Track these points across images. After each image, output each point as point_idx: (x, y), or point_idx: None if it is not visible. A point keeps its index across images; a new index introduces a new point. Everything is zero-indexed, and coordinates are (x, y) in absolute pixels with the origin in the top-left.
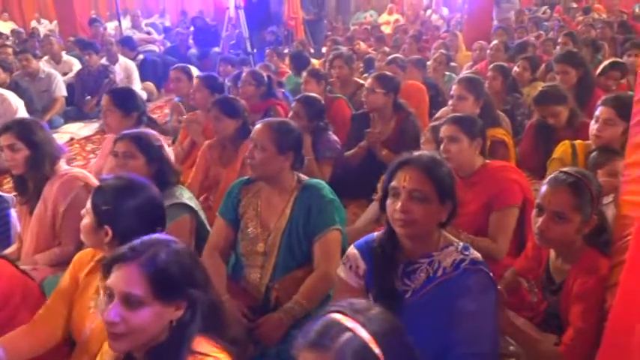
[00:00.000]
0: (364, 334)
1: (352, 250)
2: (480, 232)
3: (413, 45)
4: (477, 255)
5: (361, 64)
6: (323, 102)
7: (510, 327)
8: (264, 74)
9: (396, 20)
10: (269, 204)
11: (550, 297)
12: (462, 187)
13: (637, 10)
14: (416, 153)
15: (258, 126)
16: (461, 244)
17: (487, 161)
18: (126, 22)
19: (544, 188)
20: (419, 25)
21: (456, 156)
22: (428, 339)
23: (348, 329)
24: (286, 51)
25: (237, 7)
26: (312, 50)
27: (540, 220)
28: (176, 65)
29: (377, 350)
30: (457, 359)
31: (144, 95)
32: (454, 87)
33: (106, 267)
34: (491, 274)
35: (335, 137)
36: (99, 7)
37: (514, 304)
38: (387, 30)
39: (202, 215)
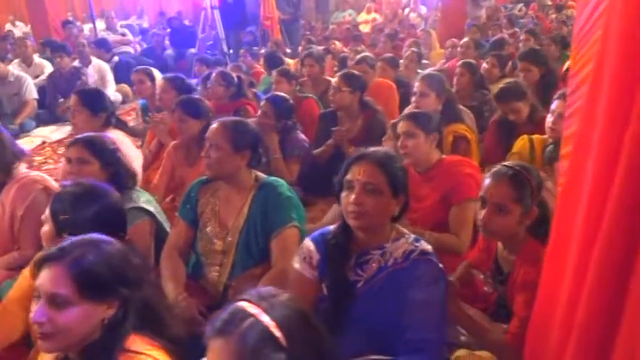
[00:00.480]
0: (266, 319)
1: (307, 241)
2: (438, 225)
3: (387, 43)
4: (427, 246)
5: (336, 63)
6: (291, 101)
7: (462, 317)
8: (234, 75)
9: (374, 19)
10: (227, 203)
11: (499, 287)
12: (419, 181)
13: None
14: (371, 148)
15: (213, 125)
16: (412, 236)
17: (443, 156)
18: (101, 24)
19: (487, 182)
20: (397, 23)
21: (413, 151)
22: (379, 326)
23: (251, 315)
24: (262, 51)
25: (212, 8)
26: (288, 50)
27: (483, 212)
28: (137, 68)
29: (278, 334)
30: (406, 345)
31: (118, 97)
32: (416, 84)
33: (36, 268)
34: (440, 264)
35: (303, 136)
36: (75, 8)
37: (468, 296)
38: (365, 29)
39: (162, 217)
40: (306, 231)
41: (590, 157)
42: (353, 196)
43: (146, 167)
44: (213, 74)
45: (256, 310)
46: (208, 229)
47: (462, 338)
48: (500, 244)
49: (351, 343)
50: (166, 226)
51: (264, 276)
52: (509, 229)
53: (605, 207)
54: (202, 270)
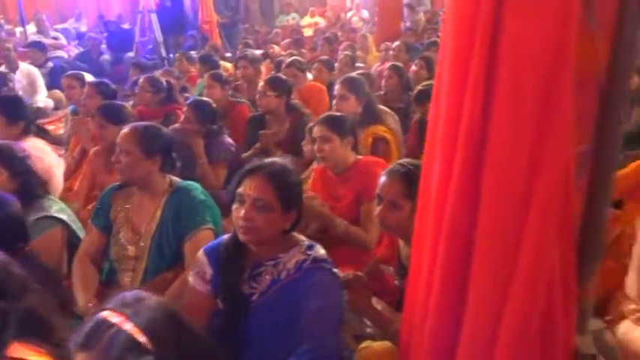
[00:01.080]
0: (129, 326)
1: (201, 254)
2: (354, 223)
3: (325, 47)
4: (320, 253)
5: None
6: (214, 105)
7: (368, 310)
8: (163, 79)
9: (317, 23)
10: (140, 208)
11: (401, 281)
12: (336, 182)
13: None
14: (267, 160)
15: (123, 130)
16: (306, 243)
17: (359, 157)
18: (32, 27)
19: (382, 179)
20: (339, 27)
21: (330, 155)
22: (276, 338)
23: (113, 325)
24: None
25: (149, 11)
26: (228, 54)
27: (379, 208)
28: (68, 73)
29: (143, 339)
30: (304, 355)
31: (50, 103)
32: (336, 87)
33: None
34: (334, 270)
35: (229, 140)
36: (8, 11)
37: (377, 289)
38: (309, 33)
39: (76, 226)
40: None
41: (436, 155)
42: (243, 211)
43: (69, 175)
44: (141, 80)
45: (119, 319)
46: (121, 234)
47: (368, 330)
48: (401, 240)
49: (248, 357)
50: (81, 234)
51: (176, 279)
52: (403, 223)
53: (446, 202)
54: (116, 276)
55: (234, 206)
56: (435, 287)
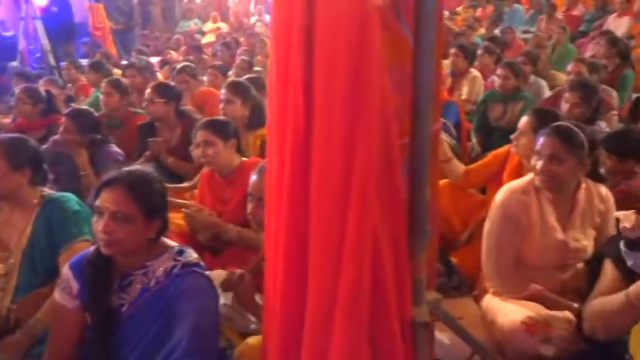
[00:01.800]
0: None
1: (65, 269)
2: (243, 225)
3: (225, 52)
4: (191, 258)
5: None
6: (95, 114)
7: (252, 306)
8: (42, 90)
9: (219, 28)
10: (9, 224)
11: None
12: (223, 185)
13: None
14: (126, 170)
15: None
16: (176, 248)
17: (244, 159)
18: None
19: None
20: (242, 32)
21: (214, 158)
22: (150, 347)
23: None
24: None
25: (32, 17)
26: (124, 62)
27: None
28: None
29: None
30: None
31: None
32: (222, 91)
33: None
34: (206, 272)
35: (116, 149)
36: None
37: (261, 285)
38: (212, 38)
39: None
40: None
41: (273, 149)
42: (102, 224)
43: None
44: (17, 91)
45: None
46: None
47: (252, 326)
48: None
49: None
50: None
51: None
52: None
53: (282, 193)
54: None
55: (94, 219)
56: (280, 269)
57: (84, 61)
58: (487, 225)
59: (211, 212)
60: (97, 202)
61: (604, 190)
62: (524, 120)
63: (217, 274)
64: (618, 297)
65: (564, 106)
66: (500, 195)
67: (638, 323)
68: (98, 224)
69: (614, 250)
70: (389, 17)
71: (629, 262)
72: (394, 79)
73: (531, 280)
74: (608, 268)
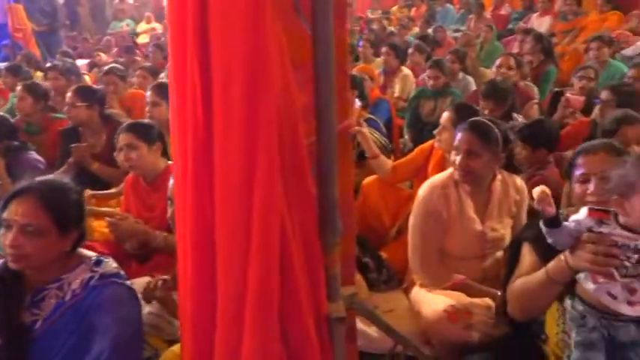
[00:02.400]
0: None
1: None
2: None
3: (157, 54)
4: (109, 268)
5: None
6: (10, 120)
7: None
8: None
9: (153, 29)
10: None
11: None
12: (148, 191)
13: (370, 14)
14: (38, 180)
15: None
16: (93, 259)
17: (169, 163)
18: None
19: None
20: None
21: (137, 163)
22: None
23: None
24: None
25: None
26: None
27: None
28: None
29: None
30: None
31: None
32: (148, 93)
33: None
34: (127, 282)
35: (36, 156)
36: None
37: None
38: (146, 39)
39: None
40: None
41: (176, 154)
42: (10, 238)
43: None
44: None
45: None
46: None
47: (179, 333)
48: None
49: None
50: None
51: None
52: None
53: (186, 196)
54: None
55: (1, 232)
56: (189, 270)
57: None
58: (411, 220)
59: (137, 219)
60: (5, 215)
61: (519, 180)
62: (445, 115)
63: (143, 282)
64: (538, 274)
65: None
66: (422, 191)
67: (554, 305)
68: (5, 237)
69: (531, 235)
70: (287, 13)
71: (550, 240)
72: (300, 77)
73: (455, 270)
74: (527, 252)
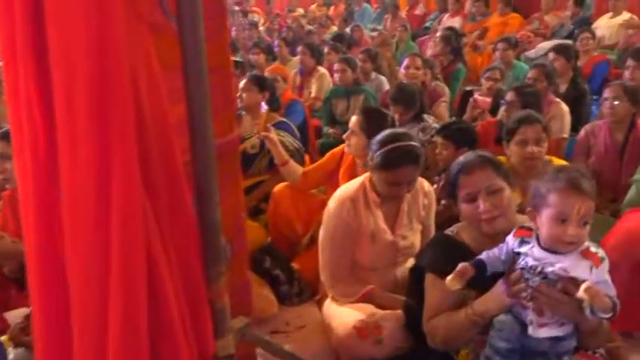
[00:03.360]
0: None
1: None
2: None
3: None
4: None
5: None
6: None
7: None
8: None
9: None
10: None
11: None
12: None
13: (288, 13)
14: None
15: None
16: None
17: None
18: None
19: None
20: None
21: (13, 174)
22: None
23: None
24: None
25: None
26: None
27: None
28: None
29: None
30: None
31: None
32: None
33: None
34: None
35: None
36: None
37: None
38: None
39: None
40: None
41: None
42: None
43: None
44: None
45: None
46: None
47: None
48: None
49: None
50: None
51: None
52: None
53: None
54: None
55: None
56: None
57: None
58: (321, 234)
59: (14, 239)
60: None
61: (426, 184)
62: (353, 120)
63: (20, 314)
64: (461, 318)
65: None
66: (332, 204)
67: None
68: None
69: (431, 260)
70: (151, 7)
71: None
72: (173, 85)
73: (367, 280)
74: (431, 284)
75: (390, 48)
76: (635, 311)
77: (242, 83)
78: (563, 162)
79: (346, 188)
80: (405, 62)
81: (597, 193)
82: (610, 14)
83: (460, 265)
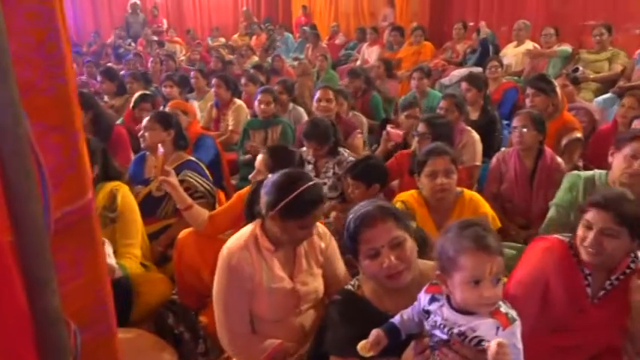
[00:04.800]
0: None
1: None
2: None
3: None
4: None
5: None
6: None
7: None
8: None
9: None
10: None
11: None
12: None
13: (210, 42)
14: None
15: None
16: None
17: None
18: None
19: None
20: None
21: None
22: None
23: None
24: None
25: None
26: None
27: None
28: None
29: None
30: None
31: None
32: None
33: None
34: None
35: None
36: None
37: None
38: None
39: None
40: None
41: None
42: None
43: None
44: None
45: None
46: None
47: None
48: None
49: None
50: None
51: None
52: None
53: None
54: None
55: None
56: None
57: None
58: (214, 291)
59: None
60: None
61: (321, 227)
62: (259, 158)
63: None
64: None
65: None
66: (221, 257)
67: None
68: None
69: (333, 343)
70: None
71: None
72: None
73: (272, 334)
74: None
75: (311, 77)
76: (540, 350)
77: (144, 122)
78: (473, 193)
79: (235, 238)
80: (317, 95)
81: (509, 219)
82: (514, 43)
83: (374, 333)
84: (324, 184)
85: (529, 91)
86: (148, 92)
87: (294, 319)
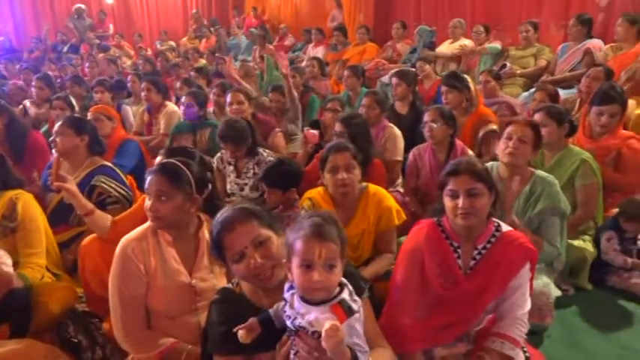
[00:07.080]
0: None
1: None
2: None
3: None
4: None
5: None
6: None
7: None
8: None
9: None
10: None
11: None
12: None
13: (159, 46)
14: None
15: None
16: None
17: None
18: None
19: None
20: None
21: None
22: None
23: None
24: None
25: None
26: None
27: None
28: None
29: None
30: None
31: None
32: None
33: None
34: None
35: None
36: None
37: None
38: None
39: None
40: None
41: None
42: None
43: None
44: None
45: None
46: None
47: None
48: None
49: None
50: None
51: None
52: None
53: None
54: None
55: None
56: None
57: None
58: (110, 280)
59: None
60: None
61: None
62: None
63: None
64: None
65: None
66: (119, 247)
67: None
68: None
69: (213, 343)
70: None
71: None
72: None
73: (167, 331)
74: None
75: (254, 79)
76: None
77: (55, 127)
78: (378, 187)
79: (135, 231)
80: (228, 99)
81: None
82: (450, 40)
83: (250, 320)
84: (245, 184)
85: (443, 88)
86: (60, 95)
87: (191, 317)
